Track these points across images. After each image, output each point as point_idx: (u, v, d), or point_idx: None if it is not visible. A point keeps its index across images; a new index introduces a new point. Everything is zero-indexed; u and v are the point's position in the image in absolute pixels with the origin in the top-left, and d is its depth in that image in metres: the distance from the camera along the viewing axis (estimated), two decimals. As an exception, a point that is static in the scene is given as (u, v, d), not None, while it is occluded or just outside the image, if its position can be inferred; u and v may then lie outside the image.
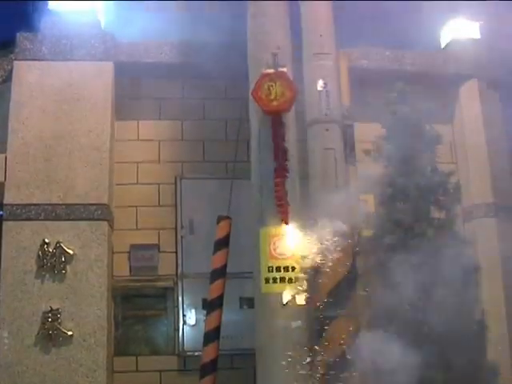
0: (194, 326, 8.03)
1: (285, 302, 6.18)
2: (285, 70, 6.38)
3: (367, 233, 6.68)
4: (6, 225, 7.43)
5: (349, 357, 6.04)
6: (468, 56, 9.02)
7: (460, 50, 9.11)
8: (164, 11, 8.31)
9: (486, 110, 8.84)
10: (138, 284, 8.14)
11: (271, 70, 6.33)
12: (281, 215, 6.20)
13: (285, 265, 6.09)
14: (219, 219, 7.27)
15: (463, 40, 9.20)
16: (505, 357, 7.92)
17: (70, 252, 7.37)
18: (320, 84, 6.88)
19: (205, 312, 7.34)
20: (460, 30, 9.31)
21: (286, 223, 6.18)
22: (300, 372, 6.01)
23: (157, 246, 8.24)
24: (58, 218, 7.46)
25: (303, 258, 6.19)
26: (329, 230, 6.18)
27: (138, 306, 8.17)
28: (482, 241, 8.37)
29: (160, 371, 8.00)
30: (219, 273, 7.07)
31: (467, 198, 8.68)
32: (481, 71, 8.99)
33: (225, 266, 7.12)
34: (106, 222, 7.57)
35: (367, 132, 7.71)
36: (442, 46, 9.47)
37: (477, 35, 9.33)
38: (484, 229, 8.56)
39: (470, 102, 8.98)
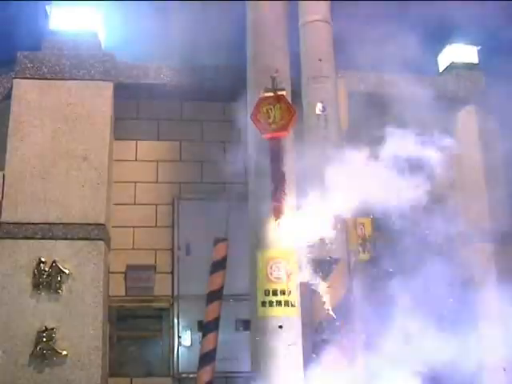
0: (189, 347, 8.00)
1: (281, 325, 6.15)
2: (284, 93, 6.37)
3: (364, 256, 6.68)
4: (3, 243, 7.40)
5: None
6: (466, 81, 9.08)
7: (458, 75, 9.16)
8: (164, 33, 8.35)
9: (484, 135, 8.87)
10: (134, 304, 8.13)
11: (270, 94, 6.34)
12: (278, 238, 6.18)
13: (281, 288, 6.07)
14: (216, 241, 7.25)
15: (461, 65, 9.26)
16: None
17: (66, 271, 7.34)
18: (319, 107, 6.90)
19: (200, 334, 7.31)
20: (458, 55, 9.37)
21: (284, 246, 6.15)
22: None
23: (153, 267, 8.23)
24: (54, 237, 7.44)
25: (300, 281, 6.18)
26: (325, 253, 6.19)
27: (134, 326, 8.15)
28: (479, 266, 8.37)
29: (154, 392, 7.97)
30: (216, 295, 7.05)
31: (464, 222, 8.69)
32: (479, 96, 9.04)
33: (221, 288, 7.09)
34: (102, 242, 7.55)
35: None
36: (440, 70, 9.53)
37: (475, 60, 9.39)
38: (481, 254, 8.55)
39: (467, 127, 9.01)
